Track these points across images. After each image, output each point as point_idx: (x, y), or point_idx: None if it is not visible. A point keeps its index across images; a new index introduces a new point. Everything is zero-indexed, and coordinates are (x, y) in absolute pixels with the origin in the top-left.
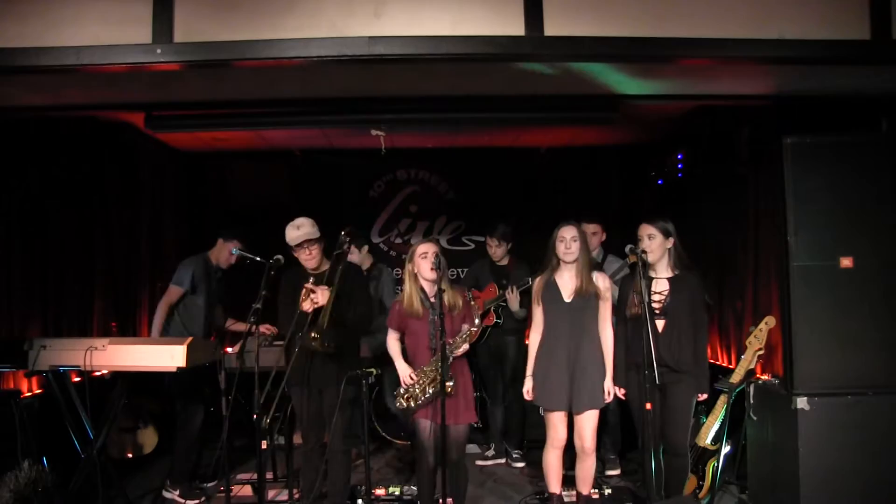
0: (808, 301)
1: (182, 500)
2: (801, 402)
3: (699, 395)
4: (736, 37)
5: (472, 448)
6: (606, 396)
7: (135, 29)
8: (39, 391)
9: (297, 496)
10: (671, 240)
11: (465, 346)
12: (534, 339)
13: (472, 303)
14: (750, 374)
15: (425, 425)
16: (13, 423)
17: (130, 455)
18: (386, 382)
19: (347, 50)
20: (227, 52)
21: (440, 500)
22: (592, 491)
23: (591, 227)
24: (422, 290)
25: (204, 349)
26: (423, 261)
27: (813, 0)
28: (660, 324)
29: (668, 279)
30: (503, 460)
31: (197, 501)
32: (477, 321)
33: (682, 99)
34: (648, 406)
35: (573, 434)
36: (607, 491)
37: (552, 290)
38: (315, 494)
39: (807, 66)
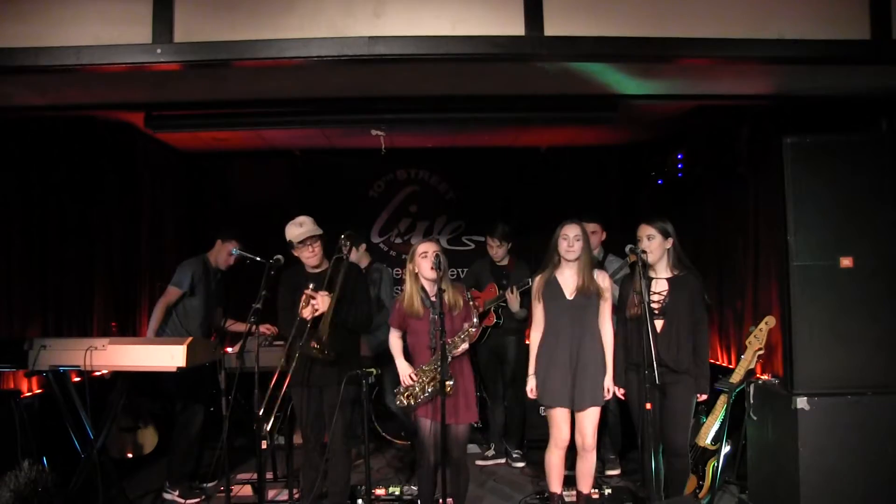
0: (807, 301)
1: (182, 501)
2: (801, 402)
3: (699, 395)
4: (736, 37)
5: (473, 448)
6: (606, 394)
7: (135, 29)
8: (39, 391)
9: (297, 496)
10: (670, 240)
11: (465, 346)
12: (534, 338)
13: (472, 302)
14: (750, 373)
15: (427, 424)
16: (13, 423)
17: (130, 455)
18: (386, 382)
19: (347, 50)
20: (227, 52)
21: (440, 500)
22: (592, 491)
23: (590, 227)
24: (422, 289)
25: (204, 349)
26: (424, 260)
27: (813, 0)
28: (658, 324)
29: (668, 279)
30: (503, 460)
31: (197, 501)
32: (476, 320)
33: (682, 99)
34: (648, 406)
35: (573, 433)
36: (607, 491)
37: (553, 287)
38: (315, 494)
39: (806, 66)
